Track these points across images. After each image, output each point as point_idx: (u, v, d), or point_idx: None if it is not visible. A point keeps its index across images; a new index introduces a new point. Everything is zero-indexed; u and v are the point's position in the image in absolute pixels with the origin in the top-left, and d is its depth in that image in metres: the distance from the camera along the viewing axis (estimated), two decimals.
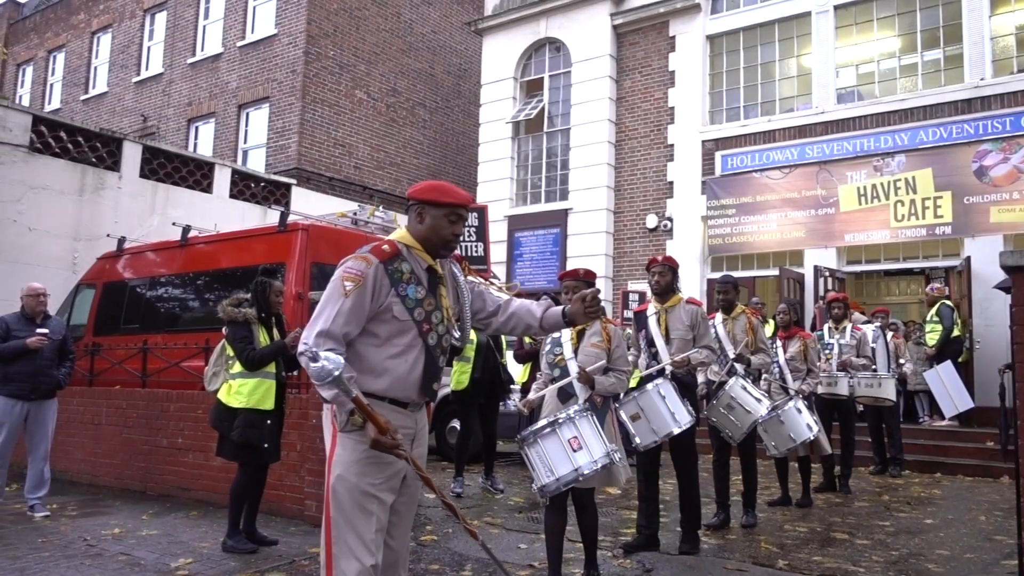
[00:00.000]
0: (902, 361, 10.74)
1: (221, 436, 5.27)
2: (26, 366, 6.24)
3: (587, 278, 4.37)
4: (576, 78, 15.71)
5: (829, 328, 8.16)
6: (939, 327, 10.79)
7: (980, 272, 11.18)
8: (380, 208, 9.19)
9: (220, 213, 13.11)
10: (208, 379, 5.59)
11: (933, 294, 11.07)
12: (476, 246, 7.72)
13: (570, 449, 3.81)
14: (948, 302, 11.01)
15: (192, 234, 9.00)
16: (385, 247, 2.73)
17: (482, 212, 7.82)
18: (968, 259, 11.47)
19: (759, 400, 5.73)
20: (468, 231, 7.74)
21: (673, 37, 14.91)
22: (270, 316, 5.42)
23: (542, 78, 16.44)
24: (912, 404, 11.47)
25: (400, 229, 2.87)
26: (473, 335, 6.77)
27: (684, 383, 5.12)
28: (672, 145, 14.67)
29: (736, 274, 13.34)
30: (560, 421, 3.88)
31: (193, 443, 7.02)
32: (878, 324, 9.41)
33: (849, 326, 8.10)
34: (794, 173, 13.29)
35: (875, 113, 12.81)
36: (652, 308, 5.36)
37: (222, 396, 5.27)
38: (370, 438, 2.54)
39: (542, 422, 3.97)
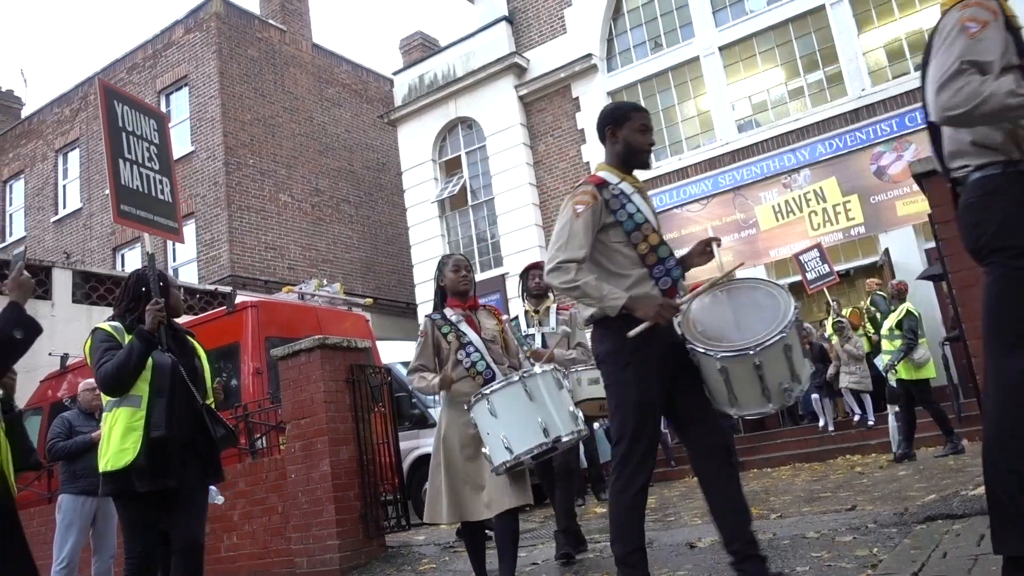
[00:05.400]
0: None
1: None
2: (92, 460, 5.97)
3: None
4: (492, 150, 16.33)
5: (527, 313, 5.16)
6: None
7: (900, 262, 11.84)
8: (325, 282, 9.36)
9: None
10: None
11: (874, 287, 11.39)
12: (161, 181, 4.31)
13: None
14: (881, 292, 11.56)
15: None
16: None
17: (160, 120, 4.49)
18: (887, 251, 12.16)
19: None
20: (148, 151, 4.28)
21: (577, 98, 15.72)
22: None
23: (459, 156, 17.04)
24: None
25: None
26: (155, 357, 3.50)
27: None
28: None
29: None
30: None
31: None
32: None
33: (553, 307, 5.11)
34: (712, 203, 13.98)
35: (774, 136, 13.68)
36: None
37: None
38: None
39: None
